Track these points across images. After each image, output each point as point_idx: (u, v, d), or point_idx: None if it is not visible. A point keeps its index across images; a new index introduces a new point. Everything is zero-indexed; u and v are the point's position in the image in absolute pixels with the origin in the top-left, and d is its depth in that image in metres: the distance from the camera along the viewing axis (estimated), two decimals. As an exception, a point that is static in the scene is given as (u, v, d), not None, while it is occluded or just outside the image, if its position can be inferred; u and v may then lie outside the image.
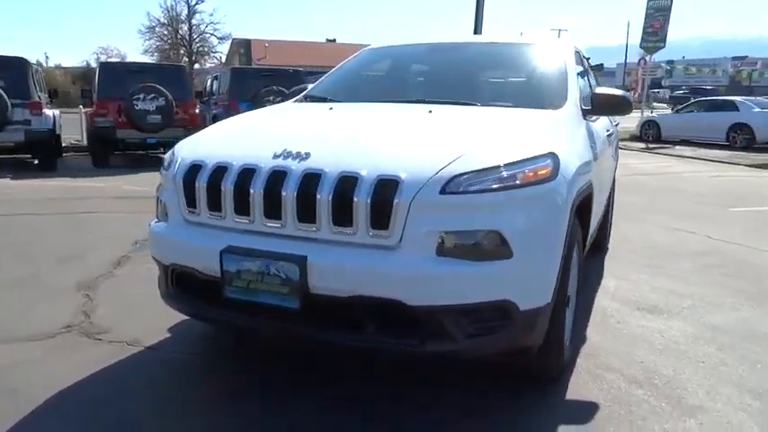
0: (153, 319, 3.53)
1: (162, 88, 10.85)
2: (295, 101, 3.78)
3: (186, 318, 3.44)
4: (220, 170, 2.43)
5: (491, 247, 2.20)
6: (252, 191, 2.33)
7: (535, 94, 3.29)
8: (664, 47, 21.20)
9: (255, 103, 11.77)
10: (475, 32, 19.10)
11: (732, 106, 17.26)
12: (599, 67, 13.67)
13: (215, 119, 12.63)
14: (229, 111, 12.04)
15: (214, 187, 2.42)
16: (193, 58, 41.81)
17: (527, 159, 2.33)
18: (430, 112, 2.98)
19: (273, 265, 2.25)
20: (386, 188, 2.17)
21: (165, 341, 3.28)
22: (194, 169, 2.51)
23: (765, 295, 4.28)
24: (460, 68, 3.73)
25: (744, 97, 19.03)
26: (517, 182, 2.26)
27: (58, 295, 3.99)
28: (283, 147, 2.41)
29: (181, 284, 2.65)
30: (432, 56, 3.93)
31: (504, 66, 3.73)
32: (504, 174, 2.24)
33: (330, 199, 2.21)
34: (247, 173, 2.36)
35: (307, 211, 2.25)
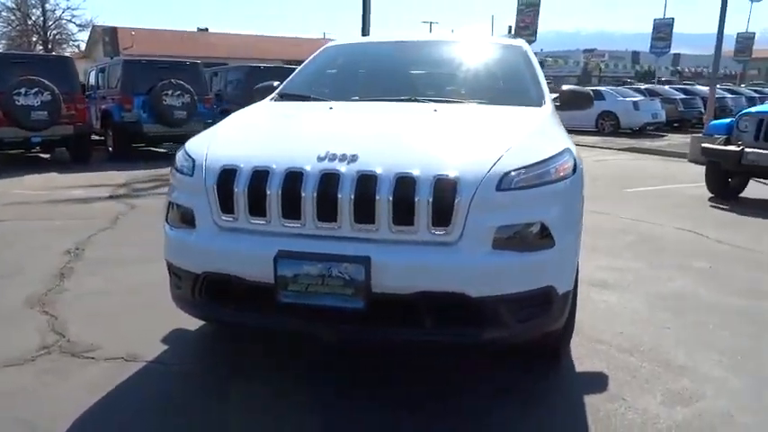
0: (137, 332, 3.36)
1: (48, 82, 10.01)
2: (272, 99, 3.70)
3: (174, 327, 3.38)
4: (261, 174, 2.38)
5: (538, 238, 2.38)
6: (303, 194, 2.31)
7: (521, 92, 3.50)
8: (535, 40, 22.70)
9: (152, 98, 11.28)
10: (363, 34, 19.28)
11: (599, 96, 18.95)
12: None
13: (106, 115, 11.82)
14: (123, 106, 11.35)
15: (256, 192, 2.37)
16: (49, 47, 38.13)
17: (555, 156, 2.52)
18: (435, 110, 3.09)
19: (336, 267, 2.25)
20: (445, 187, 2.26)
21: (164, 353, 3.13)
22: (228, 174, 2.43)
23: (688, 267, 4.88)
24: (438, 66, 3.87)
25: (609, 87, 20.95)
26: (552, 177, 2.45)
27: (13, 315, 3.63)
28: (325, 149, 2.41)
29: (211, 293, 2.56)
30: (405, 53, 4.01)
31: (479, 64, 3.91)
32: (544, 170, 2.43)
33: (390, 200, 2.26)
34: (293, 176, 2.34)
35: (364, 212, 2.28)
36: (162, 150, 12.97)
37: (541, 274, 2.40)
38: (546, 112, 3.22)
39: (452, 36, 4.61)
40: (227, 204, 2.44)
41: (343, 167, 2.32)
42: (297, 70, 4.05)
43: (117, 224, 6.16)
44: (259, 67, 13.31)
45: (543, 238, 2.39)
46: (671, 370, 3.04)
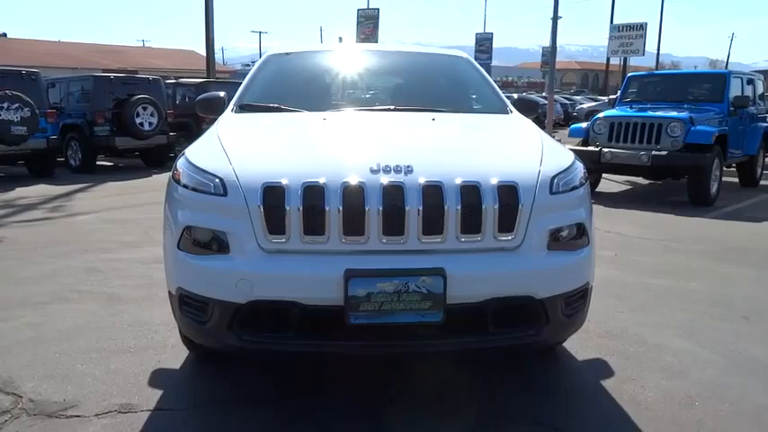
0: (107, 379, 2.95)
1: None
2: (235, 111, 3.46)
3: (146, 368, 3.07)
4: (314, 190, 2.24)
5: (579, 238, 2.54)
6: (367, 209, 2.22)
7: (490, 100, 3.66)
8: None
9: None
10: (207, 43, 18.55)
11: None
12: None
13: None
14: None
15: (311, 210, 2.23)
16: None
17: (575, 162, 2.71)
18: (433, 119, 3.12)
19: (413, 281, 2.19)
20: (508, 193, 2.31)
21: (162, 399, 2.77)
22: (274, 192, 2.25)
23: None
24: (405, 76, 3.89)
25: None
26: (578, 181, 2.62)
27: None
28: (374, 160, 2.33)
29: (253, 323, 2.34)
30: (364, 63, 3.97)
31: (443, 74, 4.00)
32: (572, 175, 2.60)
33: (458, 209, 2.25)
34: (352, 191, 2.23)
35: (431, 224, 2.25)
36: (-8, 173, 11.35)
37: (584, 270, 2.56)
38: (525, 119, 3.40)
39: (401, 46, 4.63)
40: (275, 225, 2.25)
41: (405, 179, 2.26)
42: (246, 81, 3.82)
43: (-8, 260, 5.28)
44: (108, 77, 12.19)
45: (582, 237, 2.55)
46: (649, 349, 3.37)
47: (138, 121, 11.69)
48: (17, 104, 9.93)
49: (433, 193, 2.25)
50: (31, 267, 4.96)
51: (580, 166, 2.71)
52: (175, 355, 3.22)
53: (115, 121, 11.70)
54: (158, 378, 2.98)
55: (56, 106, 11.67)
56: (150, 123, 11.86)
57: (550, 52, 18.03)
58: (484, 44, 31.47)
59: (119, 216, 7.25)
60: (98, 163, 12.41)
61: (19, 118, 9.99)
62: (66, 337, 3.50)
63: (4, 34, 40.45)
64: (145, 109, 11.78)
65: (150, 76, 12.97)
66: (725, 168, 8.75)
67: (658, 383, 2.94)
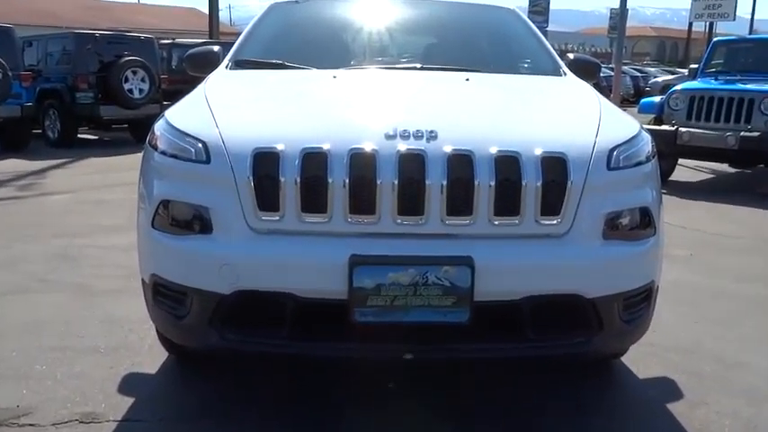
0: (66, 382, 2.97)
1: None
2: (230, 68, 3.42)
3: (114, 372, 3.06)
4: (315, 158, 2.17)
5: (643, 226, 2.44)
6: (379, 182, 2.15)
7: (539, 59, 3.59)
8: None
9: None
10: None
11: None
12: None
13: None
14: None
15: (312, 182, 2.17)
16: None
17: (640, 132, 2.59)
18: (467, 79, 3.04)
19: (434, 271, 2.12)
20: (554, 167, 2.22)
21: (132, 408, 2.75)
22: (266, 159, 2.19)
23: (669, 255, 5.28)
24: (432, 28, 3.85)
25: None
26: (644, 155, 2.51)
27: None
28: (391, 124, 2.26)
29: (238, 319, 2.29)
30: (387, 13, 3.91)
31: (480, 28, 3.92)
32: (636, 148, 2.49)
33: (492, 185, 2.17)
34: (363, 159, 2.16)
35: (458, 202, 2.17)
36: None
37: (648, 266, 2.46)
38: (582, 82, 3.29)
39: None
40: (267, 199, 2.20)
41: (427, 146, 2.19)
42: (245, 33, 3.79)
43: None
44: (93, 35, 12.32)
45: (647, 225, 2.45)
46: (728, 367, 3.24)
47: (126, 87, 11.84)
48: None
49: (462, 163, 2.17)
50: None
51: (647, 138, 2.60)
52: (152, 357, 3.20)
53: (100, 87, 11.85)
54: (130, 383, 2.97)
55: (32, 69, 11.87)
56: (141, 90, 12.00)
57: (619, 15, 17.64)
58: (539, 4, 31.07)
59: (99, 196, 7.32)
60: (80, 136, 12.62)
61: None
62: (26, 332, 3.51)
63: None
64: (135, 73, 11.91)
65: (142, 35, 13.08)
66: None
67: (738, 410, 2.82)
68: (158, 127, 2.58)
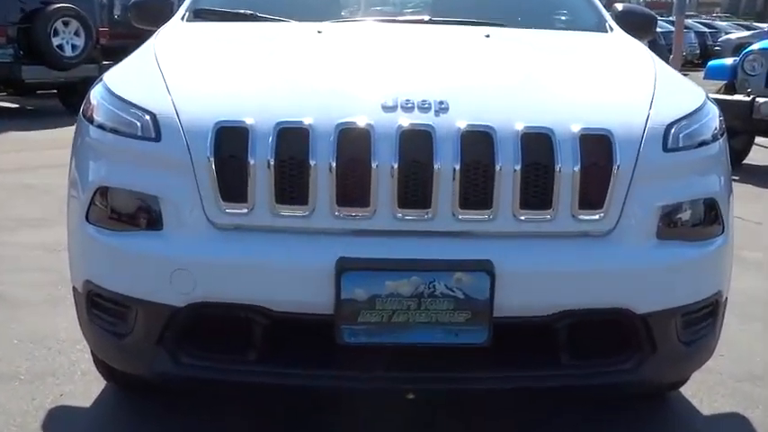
0: None
1: None
2: (187, 20, 3.45)
3: (37, 402, 3.08)
4: (292, 134, 2.19)
5: (709, 222, 2.46)
6: (374, 165, 2.16)
7: (583, 11, 3.64)
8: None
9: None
10: None
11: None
12: None
13: None
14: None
15: (292, 164, 2.19)
16: None
17: (705, 104, 2.62)
18: (487, 36, 3.09)
19: (443, 279, 2.15)
20: (596, 148, 2.23)
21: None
22: (231, 135, 2.22)
23: (742, 260, 5.31)
24: None
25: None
26: (709, 134, 2.54)
27: None
28: (390, 94, 2.29)
29: (194, 338, 2.31)
30: None
31: None
32: (700, 124, 2.51)
33: (517, 169, 2.18)
34: (353, 135, 2.18)
35: (474, 191, 2.19)
36: None
37: (713, 273, 2.49)
38: (632, 40, 3.31)
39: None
40: (232, 187, 2.22)
41: (436, 121, 2.20)
42: None
43: None
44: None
45: (713, 222, 2.46)
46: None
47: (55, 42, 11.88)
48: None
49: (479, 143, 2.19)
50: None
51: (715, 111, 2.63)
52: (86, 386, 3.22)
53: (22, 43, 11.87)
54: (57, 419, 2.99)
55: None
56: (74, 46, 12.04)
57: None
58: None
59: (20, 181, 7.34)
60: (-4, 104, 12.65)
61: None
62: None
63: None
64: (66, 25, 11.94)
65: None
66: None
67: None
68: (95, 94, 2.60)
